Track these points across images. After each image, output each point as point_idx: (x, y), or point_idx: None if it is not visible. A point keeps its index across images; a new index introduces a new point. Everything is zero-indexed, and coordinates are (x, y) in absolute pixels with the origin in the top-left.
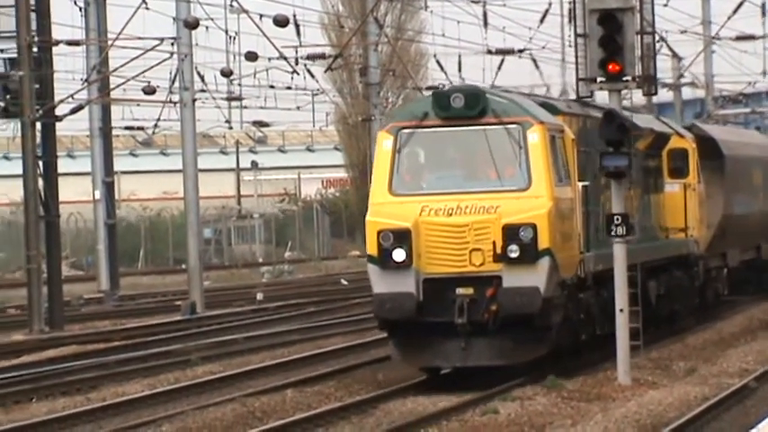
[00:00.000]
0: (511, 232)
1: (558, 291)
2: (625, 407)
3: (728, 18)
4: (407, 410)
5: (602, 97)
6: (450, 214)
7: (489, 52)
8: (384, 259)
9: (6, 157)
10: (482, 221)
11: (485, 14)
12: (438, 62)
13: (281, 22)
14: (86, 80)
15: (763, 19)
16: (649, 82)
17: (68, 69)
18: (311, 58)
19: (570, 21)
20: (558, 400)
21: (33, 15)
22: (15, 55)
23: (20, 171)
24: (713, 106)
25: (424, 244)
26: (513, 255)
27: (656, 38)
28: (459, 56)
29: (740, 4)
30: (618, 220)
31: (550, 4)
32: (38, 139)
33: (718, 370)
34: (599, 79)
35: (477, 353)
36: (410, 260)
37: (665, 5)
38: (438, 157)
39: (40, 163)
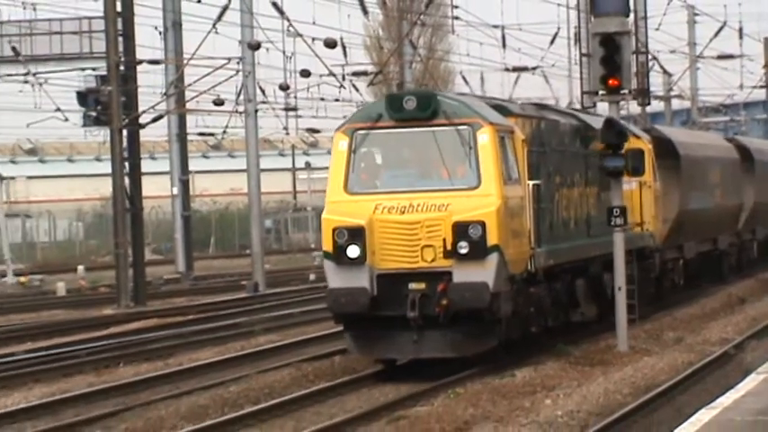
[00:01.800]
0: (461, 229)
1: (507, 285)
2: (623, 371)
3: (711, 40)
4: (438, 373)
5: (602, 108)
6: (403, 212)
7: (507, 70)
8: (339, 255)
9: (98, 159)
10: (433, 219)
11: (503, 37)
12: (464, 78)
13: (330, 44)
14: (165, 94)
15: (740, 41)
16: (643, 95)
17: (150, 84)
18: (356, 74)
19: (576, 42)
20: (566, 365)
21: (120, 39)
22: (105, 72)
23: (109, 171)
24: (698, 115)
25: (377, 241)
26: (463, 251)
27: (649, 57)
28: (482, 73)
29: (720, 29)
30: (617, 212)
31: (559, 29)
32: (124, 144)
33: (702, 339)
34: (600, 92)
35: (429, 345)
36: (364, 256)
37: (657, 29)
38: (391, 157)
39: (126, 164)
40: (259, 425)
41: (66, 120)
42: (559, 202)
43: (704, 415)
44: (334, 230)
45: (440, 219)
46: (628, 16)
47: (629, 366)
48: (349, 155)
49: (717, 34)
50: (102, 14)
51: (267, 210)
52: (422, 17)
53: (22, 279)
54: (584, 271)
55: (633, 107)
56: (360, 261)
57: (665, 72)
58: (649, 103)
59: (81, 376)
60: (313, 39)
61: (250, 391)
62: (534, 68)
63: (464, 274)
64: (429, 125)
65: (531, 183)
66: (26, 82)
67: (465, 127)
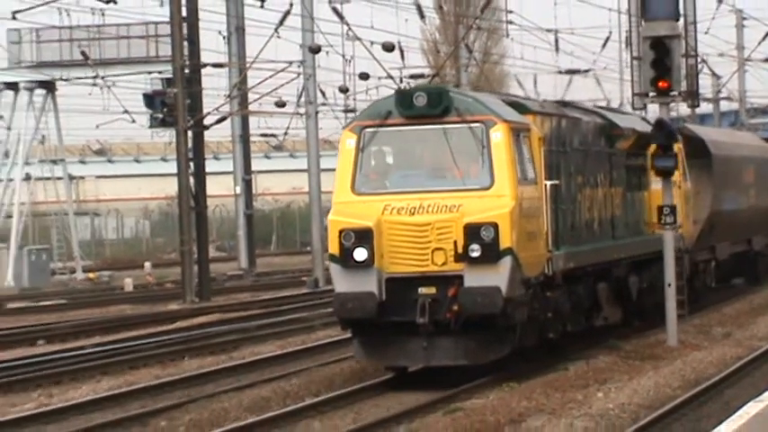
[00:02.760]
0: (472, 232)
1: (522, 290)
2: (673, 365)
3: (759, 43)
4: (496, 368)
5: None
6: (413, 213)
7: (560, 72)
8: (345, 258)
9: (164, 159)
10: (444, 220)
11: (556, 41)
12: (518, 81)
13: (388, 47)
14: (229, 96)
15: None
16: (692, 96)
17: (214, 87)
18: (413, 77)
19: (627, 46)
20: (617, 359)
21: (186, 43)
22: (171, 76)
23: (175, 171)
24: (746, 117)
25: (386, 243)
26: (475, 254)
27: (698, 60)
28: (535, 75)
29: None
30: (667, 210)
31: (611, 32)
32: (189, 144)
33: (749, 334)
34: (651, 94)
35: (440, 352)
36: (372, 259)
37: (706, 33)
38: (401, 156)
39: (191, 164)
40: (319, 416)
41: (134, 121)
42: (581, 203)
43: (752, 408)
44: (340, 232)
45: (451, 220)
46: (678, 20)
47: (678, 360)
48: (357, 154)
49: (765, 38)
50: (168, 19)
51: (327, 208)
52: (477, 21)
53: (91, 275)
54: (607, 274)
55: (683, 108)
56: (367, 264)
57: (713, 74)
58: (698, 105)
59: (147, 369)
60: (371, 42)
61: (311, 384)
62: (586, 71)
63: (476, 278)
64: (440, 122)
65: (548, 183)
66: (95, 85)
67: (478, 124)
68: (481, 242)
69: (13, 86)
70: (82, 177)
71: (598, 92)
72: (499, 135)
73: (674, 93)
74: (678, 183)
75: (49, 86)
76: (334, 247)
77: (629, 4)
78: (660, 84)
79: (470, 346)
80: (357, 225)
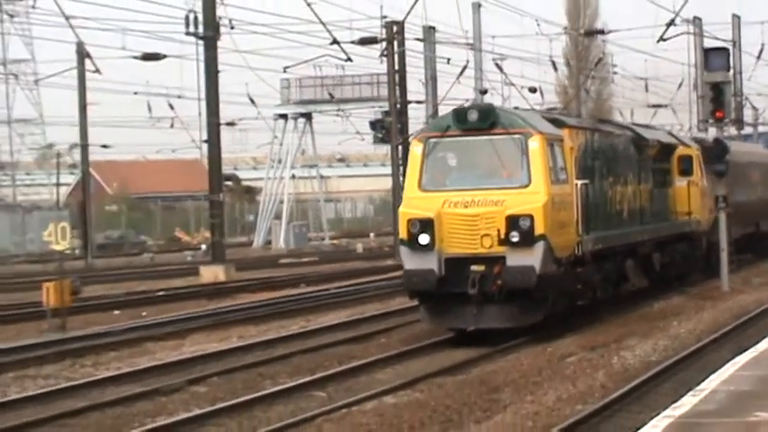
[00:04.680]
0: (513, 221)
1: (554, 267)
2: (725, 303)
3: None
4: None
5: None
6: (466, 206)
7: (648, 106)
8: (412, 242)
9: (383, 165)
10: (491, 212)
11: (646, 85)
12: (620, 113)
13: (532, 90)
14: (426, 123)
15: None
16: (739, 122)
17: (416, 117)
18: (549, 110)
19: (694, 88)
20: (686, 300)
21: (397, 88)
22: (387, 109)
23: (390, 172)
24: None
25: (445, 230)
26: (515, 239)
27: (743, 97)
28: (632, 109)
29: None
30: (722, 199)
31: (683, 79)
32: (400, 155)
33: None
34: (710, 121)
35: (488, 317)
36: (433, 243)
37: (749, 79)
38: (457, 161)
39: (401, 168)
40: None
41: (363, 139)
42: (612, 198)
43: None
44: (408, 221)
45: (496, 212)
46: (729, 71)
47: (729, 301)
48: (423, 158)
49: None
50: (385, 71)
51: None
52: (593, 72)
53: (335, 242)
54: (634, 251)
55: (732, 131)
56: (429, 247)
57: (753, 108)
58: (743, 129)
59: (371, 304)
60: (521, 86)
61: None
62: (666, 105)
63: (515, 258)
64: (488, 134)
65: (579, 182)
66: (338, 115)
67: (518, 135)
68: (519, 230)
69: (283, 117)
70: (329, 177)
71: (675, 119)
72: (536, 144)
73: (727, 120)
74: (696, 181)
75: (307, 116)
76: (403, 233)
77: (696, 60)
78: (717, 114)
79: (512, 312)
80: (422, 215)
